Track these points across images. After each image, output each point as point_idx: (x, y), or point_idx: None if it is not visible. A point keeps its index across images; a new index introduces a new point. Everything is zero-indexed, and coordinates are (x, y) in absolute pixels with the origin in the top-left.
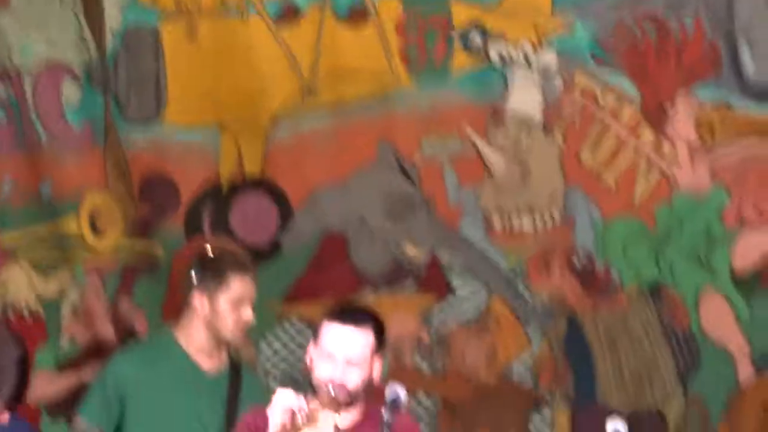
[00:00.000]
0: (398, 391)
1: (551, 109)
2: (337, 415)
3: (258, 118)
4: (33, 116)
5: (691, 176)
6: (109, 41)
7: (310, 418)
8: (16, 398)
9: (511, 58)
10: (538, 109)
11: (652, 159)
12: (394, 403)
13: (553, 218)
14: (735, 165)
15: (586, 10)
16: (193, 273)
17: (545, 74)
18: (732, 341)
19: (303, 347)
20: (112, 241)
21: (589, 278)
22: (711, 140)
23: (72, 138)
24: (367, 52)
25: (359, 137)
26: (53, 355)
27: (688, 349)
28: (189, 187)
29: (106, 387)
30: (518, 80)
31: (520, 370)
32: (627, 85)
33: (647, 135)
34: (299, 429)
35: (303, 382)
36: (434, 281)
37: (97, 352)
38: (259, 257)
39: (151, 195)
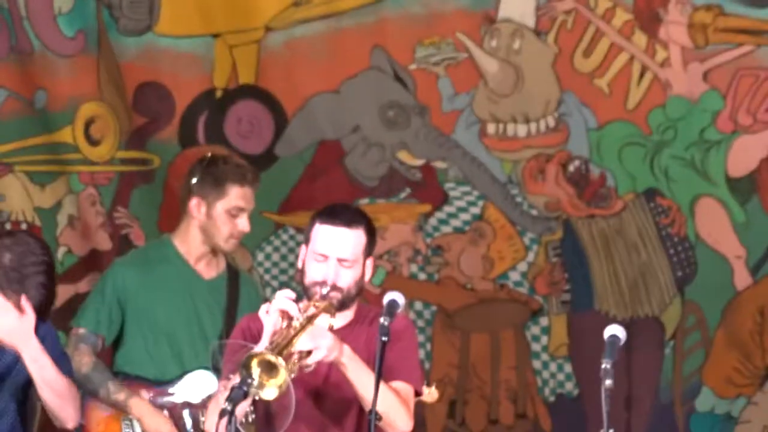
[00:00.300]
0: (395, 296)
1: (544, 14)
2: (330, 316)
3: (251, 27)
4: (26, 24)
5: (685, 80)
6: None
7: (305, 320)
8: (47, 305)
9: None
10: (531, 14)
11: (646, 63)
12: (391, 306)
13: (547, 125)
14: (729, 70)
15: None
16: (193, 178)
17: None
18: (728, 246)
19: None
20: (107, 151)
21: (584, 184)
22: (704, 44)
23: (65, 47)
24: None
25: (352, 44)
26: None
27: (685, 256)
28: (183, 96)
29: (105, 294)
30: None
31: (516, 277)
32: None
33: (640, 39)
34: (294, 330)
35: (299, 292)
36: (430, 190)
37: (93, 262)
38: (255, 166)
39: (145, 104)
